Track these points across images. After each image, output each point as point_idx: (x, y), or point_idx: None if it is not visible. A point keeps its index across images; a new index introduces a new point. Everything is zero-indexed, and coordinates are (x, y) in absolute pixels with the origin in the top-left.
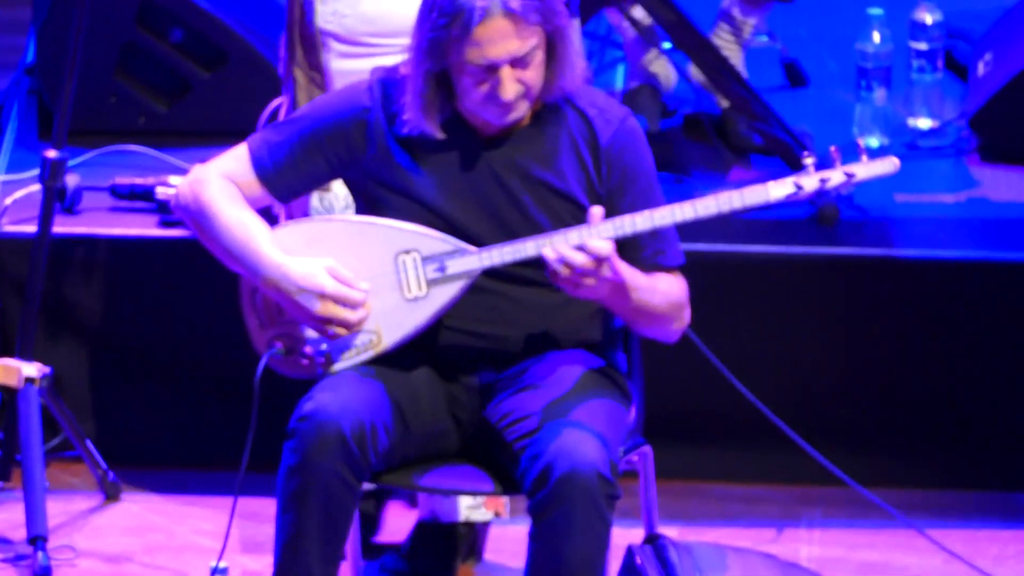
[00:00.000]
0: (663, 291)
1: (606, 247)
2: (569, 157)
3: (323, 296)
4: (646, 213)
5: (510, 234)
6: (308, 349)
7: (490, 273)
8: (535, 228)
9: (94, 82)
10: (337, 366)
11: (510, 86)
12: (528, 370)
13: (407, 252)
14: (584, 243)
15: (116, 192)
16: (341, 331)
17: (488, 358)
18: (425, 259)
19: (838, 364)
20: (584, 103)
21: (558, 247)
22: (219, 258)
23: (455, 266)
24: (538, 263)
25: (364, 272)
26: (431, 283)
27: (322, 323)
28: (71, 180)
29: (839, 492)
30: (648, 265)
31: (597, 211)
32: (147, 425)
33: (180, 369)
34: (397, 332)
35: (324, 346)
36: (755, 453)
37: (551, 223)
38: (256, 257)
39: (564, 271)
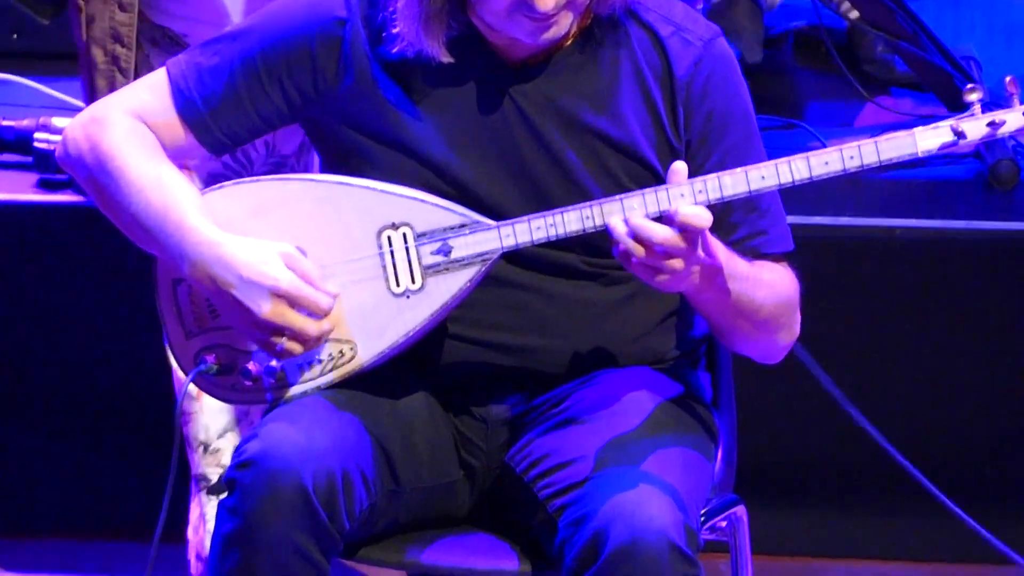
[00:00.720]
0: (768, 283)
1: (703, 216)
2: (631, 94)
3: (275, 294)
4: (740, 173)
5: (543, 202)
6: (252, 366)
7: (515, 258)
8: (580, 195)
9: None
10: (294, 390)
11: None
12: (570, 397)
13: (395, 227)
14: (670, 210)
15: None
16: (295, 348)
17: (513, 381)
18: (420, 237)
19: (1015, 395)
20: (654, 17)
21: (633, 218)
22: (126, 233)
23: (464, 247)
24: (587, 243)
25: (334, 255)
26: (428, 271)
27: (272, 333)
28: None
29: (1008, 573)
30: (743, 251)
31: (680, 167)
32: (23, 479)
33: (67, 397)
34: (379, 342)
35: (275, 362)
36: (890, 518)
37: (603, 188)
38: (180, 233)
39: (639, 251)
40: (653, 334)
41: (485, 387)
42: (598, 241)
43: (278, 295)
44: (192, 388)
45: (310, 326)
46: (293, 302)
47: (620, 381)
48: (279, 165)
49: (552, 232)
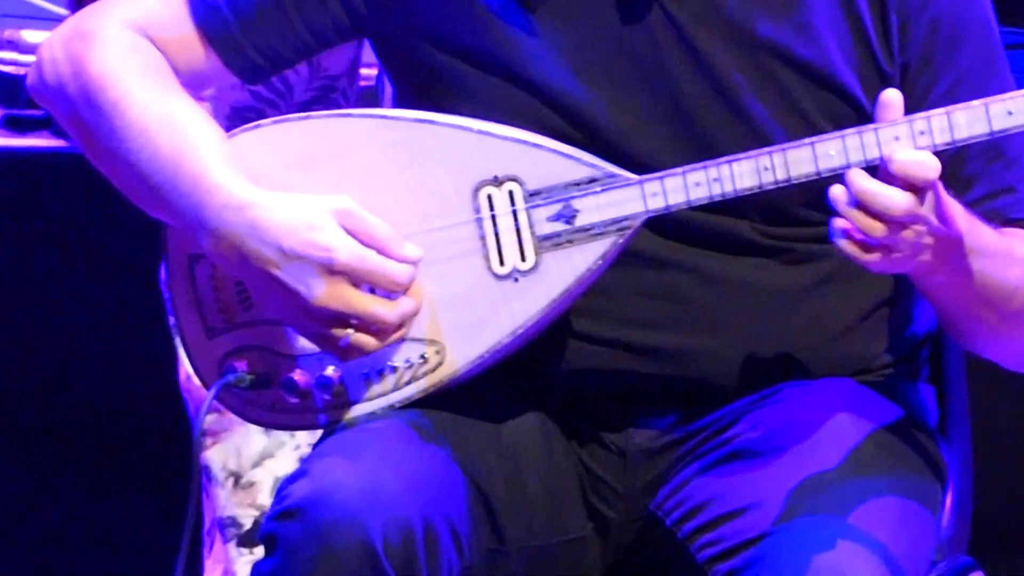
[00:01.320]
0: (1023, 259)
1: (928, 164)
2: (825, 5)
3: (331, 271)
4: (978, 108)
5: (703, 148)
6: (300, 376)
7: (664, 227)
8: (755, 138)
9: None
10: (358, 410)
11: None
12: (741, 421)
13: (497, 183)
14: (881, 158)
15: None
16: (367, 341)
17: (662, 397)
18: (533, 196)
19: None
20: None
21: (858, 180)
22: (123, 190)
23: (594, 210)
24: (764, 205)
25: (412, 223)
26: (545, 245)
27: (330, 324)
28: None
29: None
30: (984, 215)
31: (894, 99)
32: None
33: (41, 414)
34: (477, 342)
35: (332, 370)
36: None
37: (787, 128)
38: (198, 191)
39: (872, 227)
40: (857, 332)
41: (623, 406)
42: (780, 202)
43: (334, 271)
44: (217, 405)
45: (384, 309)
46: (357, 278)
47: (811, 398)
48: (327, 89)
49: (716, 190)
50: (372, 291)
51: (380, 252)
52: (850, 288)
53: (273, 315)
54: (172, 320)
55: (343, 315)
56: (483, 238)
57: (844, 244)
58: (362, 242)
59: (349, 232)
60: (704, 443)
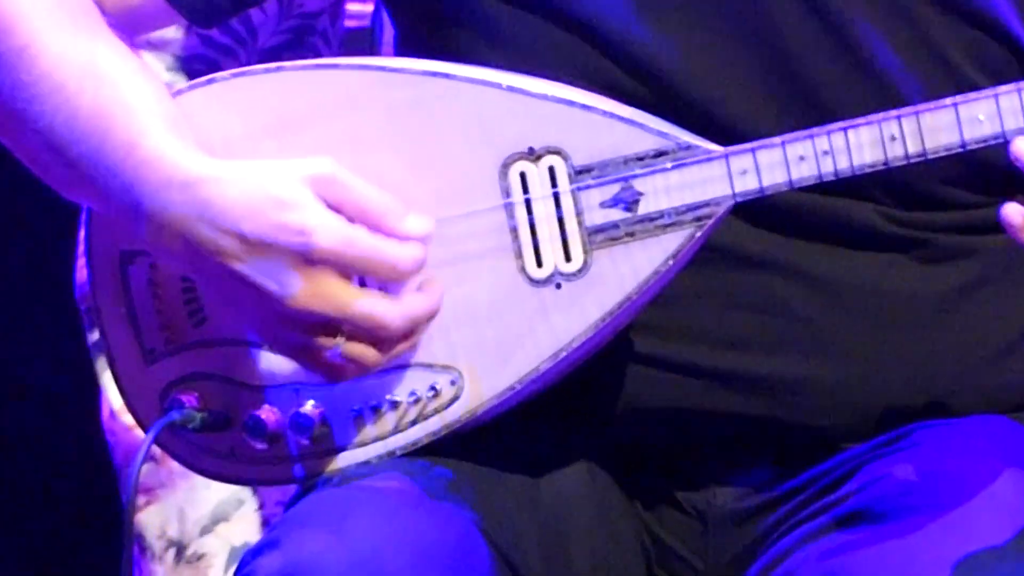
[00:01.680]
0: None
1: None
2: None
3: (310, 260)
4: None
5: (812, 109)
6: (268, 413)
7: (760, 214)
8: (886, 98)
9: None
10: (347, 458)
11: None
12: (861, 472)
13: (533, 155)
14: None
15: None
16: (364, 355)
17: (755, 441)
18: (582, 174)
19: None
20: None
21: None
22: (32, 166)
23: (663, 193)
24: (895, 185)
25: (421, 207)
26: (596, 239)
27: (313, 335)
28: None
29: None
30: None
31: None
32: None
33: None
34: (507, 369)
35: (311, 405)
36: None
37: (925, 82)
38: (133, 164)
39: None
40: (1017, 355)
41: (702, 455)
42: (915, 178)
43: (313, 260)
44: (156, 451)
45: (385, 307)
46: (346, 267)
47: (955, 443)
48: (302, 32)
49: (826, 166)
50: (365, 284)
51: (374, 229)
52: (1010, 295)
53: (233, 330)
54: (93, 339)
55: (329, 319)
56: (515, 230)
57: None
58: (350, 217)
59: (331, 206)
60: (810, 503)
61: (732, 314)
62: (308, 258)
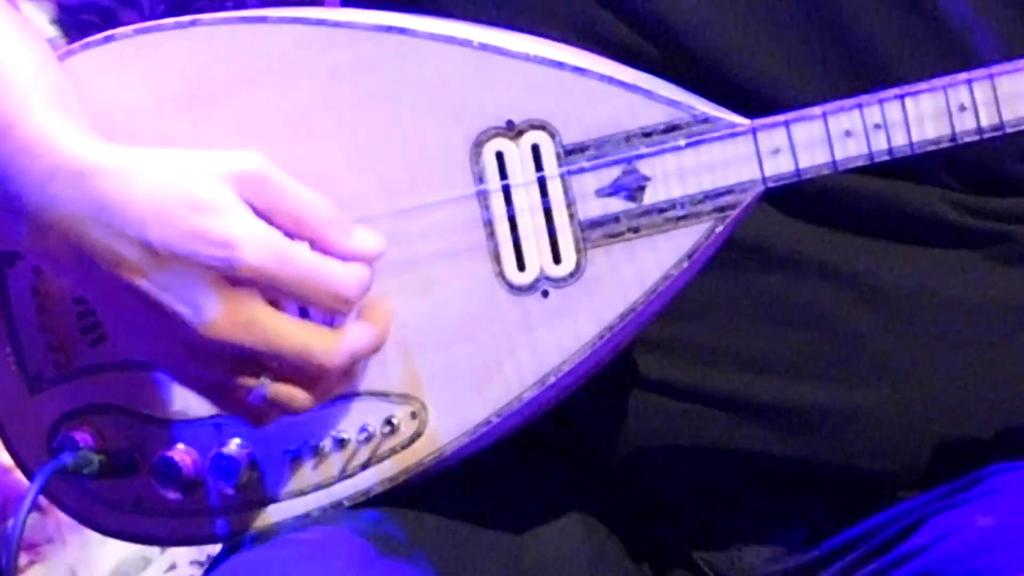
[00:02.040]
0: None
1: None
2: None
3: (233, 279)
4: None
5: (866, 74)
6: (184, 455)
7: (796, 205)
8: (956, 57)
9: None
10: (279, 511)
11: None
12: (926, 526)
13: (513, 131)
14: None
15: None
16: (293, 398)
17: (790, 488)
18: (574, 153)
19: None
20: None
21: None
22: None
23: (673, 178)
24: (966, 165)
25: (370, 200)
26: (592, 236)
27: (233, 371)
28: None
29: None
30: None
31: None
32: None
33: None
34: (480, 401)
35: (236, 444)
36: None
37: (1009, 38)
38: (10, 144)
39: None
40: None
41: (726, 507)
42: (991, 156)
43: (237, 279)
44: (42, 501)
45: (322, 343)
46: (277, 290)
47: None
48: None
49: (879, 143)
50: (303, 312)
51: (314, 244)
52: None
53: (140, 351)
54: None
55: (253, 353)
56: (490, 224)
57: None
58: (283, 229)
59: (260, 212)
60: (861, 565)
61: (762, 330)
62: (230, 276)
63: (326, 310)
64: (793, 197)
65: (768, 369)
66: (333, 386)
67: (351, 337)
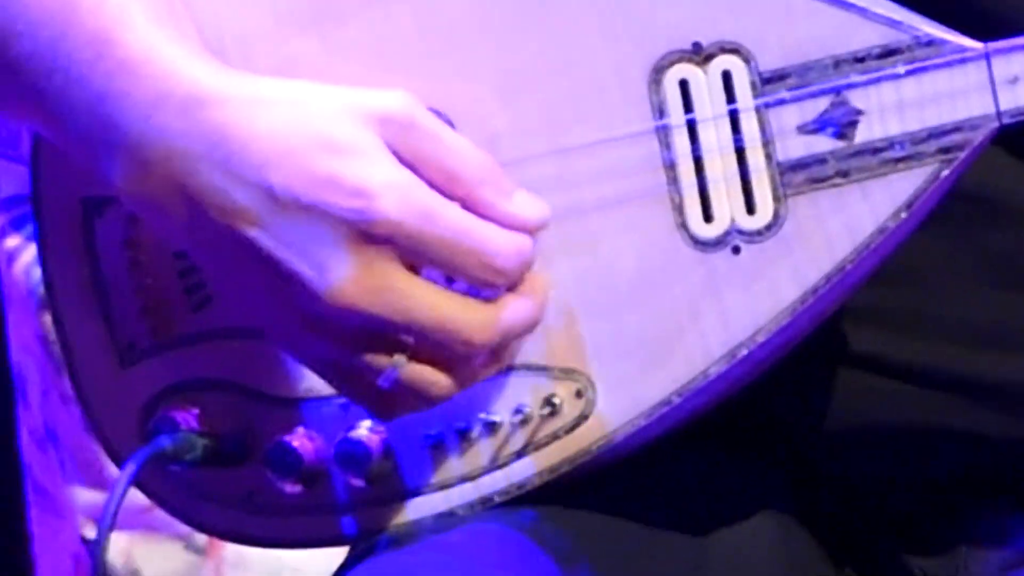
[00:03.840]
0: None
1: None
2: None
3: (369, 238)
4: None
5: None
6: (304, 441)
7: None
8: None
9: None
10: (417, 508)
11: None
12: None
13: (700, 55)
14: None
15: None
16: (435, 382)
17: (1022, 477)
18: (772, 82)
19: None
20: None
21: None
22: None
23: (892, 112)
24: None
25: (531, 139)
26: (794, 180)
27: (363, 347)
28: None
29: None
30: None
31: None
32: None
33: None
34: (659, 378)
35: (367, 429)
36: None
37: None
38: (109, 63)
39: None
40: None
41: (948, 500)
42: None
43: (373, 237)
44: (137, 496)
45: (472, 319)
46: (420, 254)
47: None
48: None
49: None
50: (449, 281)
51: (467, 205)
52: None
53: (251, 318)
54: (42, 328)
55: (386, 326)
56: (672, 167)
57: None
58: (432, 183)
59: (406, 161)
60: None
61: (991, 297)
62: (364, 232)
63: (476, 282)
64: None
65: (998, 343)
66: (480, 371)
67: (506, 312)
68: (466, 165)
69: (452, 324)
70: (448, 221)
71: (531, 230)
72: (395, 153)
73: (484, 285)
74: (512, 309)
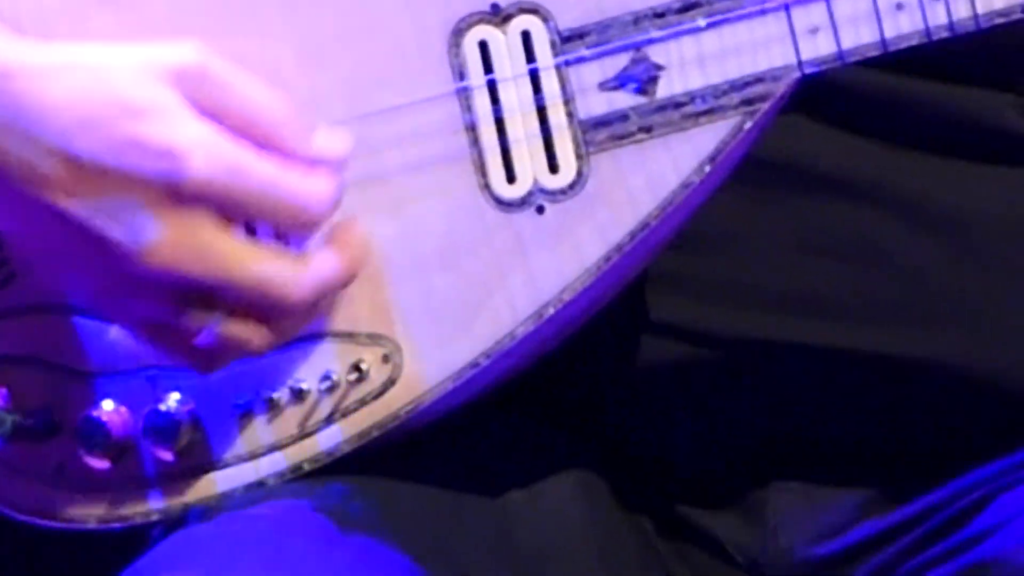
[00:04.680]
0: None
1: None
2: None
3: (177, 196)
4: None
5: None
6: (113, 414)
7: (841, 107)
8: None
9: None
10: (226, 479)
11: None
12: (990, 508)
13: (499, 16)
14: None
15: None
16: (249, 339)
17: (835, 456)
18: (571, 40)
19: None
20: None
21: None
22: None
23: (691, 66)
24: None
25: (333, 101)
26: (596, 138)
27: (177, 308)
28: None
29: None
30: None
31: None
32: None
33: None
34: (464, 342)
35: (176, 399)
36: None
37: None
38: None
39: None
40: None
41: (755, 472)
42: None
43: (181, 196)
44: None
45: (283, 270)
46: (229, 207)
47: None
48: None
49: (938, 18)
50: (255, 233)
51: (269, 148)
52: None
53: (57, 293)
54: None
55: (202, 284)
56: (474, 128)
57: None
58: (235, 130)
59: (207, 112)
60: (918, 550)
61: (799, 263)
62: (173, 193)
63: (288, 230)
64: (836, 104)
65: (806, 310)
66: (296, 324)
67: (318, 264)
68: (262, 109)
69: (266, 279)
70: (255, 173)
71: (336, 162)
72: (193, 103)
73: (298, 234)
74: (324, 262)
